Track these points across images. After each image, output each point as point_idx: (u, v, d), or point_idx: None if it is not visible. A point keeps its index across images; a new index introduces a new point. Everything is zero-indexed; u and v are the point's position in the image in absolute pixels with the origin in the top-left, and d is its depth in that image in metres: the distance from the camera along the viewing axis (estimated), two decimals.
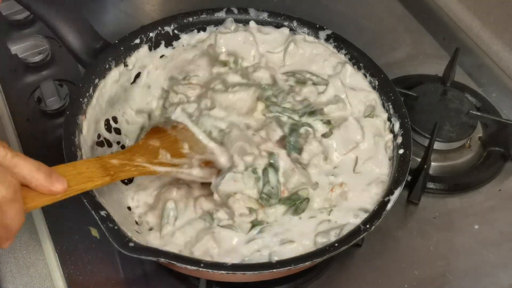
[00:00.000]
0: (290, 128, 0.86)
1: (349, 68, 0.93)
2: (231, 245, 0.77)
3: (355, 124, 0.87)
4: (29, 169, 0.63)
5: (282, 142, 0.85)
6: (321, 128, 0.87)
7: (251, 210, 0.80)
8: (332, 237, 0.76)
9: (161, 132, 0.84)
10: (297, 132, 0.86)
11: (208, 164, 0.83)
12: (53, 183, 0.64)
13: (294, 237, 0.78)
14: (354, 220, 0.79)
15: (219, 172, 0.83)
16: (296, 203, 0.81)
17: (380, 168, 0.85)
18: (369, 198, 0.81)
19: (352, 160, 0.86)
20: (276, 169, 0.82)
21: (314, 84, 0.93)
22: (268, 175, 0.82)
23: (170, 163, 0.81)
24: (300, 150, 0.85)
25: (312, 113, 0.88)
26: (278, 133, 0.86)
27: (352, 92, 0.91)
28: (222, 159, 0.83)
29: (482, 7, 1.20)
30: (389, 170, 0.84)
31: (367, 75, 0.92)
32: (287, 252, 0.76)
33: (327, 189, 0.83)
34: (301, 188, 0.82)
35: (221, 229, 0.78)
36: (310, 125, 0.87)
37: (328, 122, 0.88)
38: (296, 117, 0.87)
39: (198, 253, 0.76)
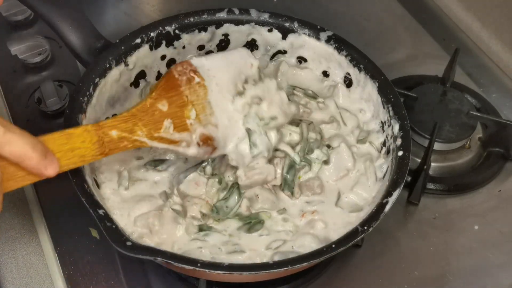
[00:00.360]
0: (288, 166, 0.85)
1: (342, 89, 0.95)
2: (174, 233, 0.79)
3: (347, 151, 0.87)
4: (23, 148, 0.56)
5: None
6: (320, 155, 0.87)
7: (203, 215, 0.80)
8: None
9: (173, 88, 0.79)
10: (294, 169, 0.85)
11: (207, 141, 0.80)
12: (46, 167, 0.59)
13: (245, 249, 0.78)
14: (312, 249, 0.76)
15: (214, 150, 0.81)
16: (251, 222, 0.81)
17: (367, 193, 0.84)
18: (338, 231, 0.80)
19: (335, 191, 0.86)
20: (240, 192, 0.82)
21: (317, 101, 0.95)
22: (233, 193, 0.82)
23: (170, 139, 0.77)
24: (292, 188, 0.84)
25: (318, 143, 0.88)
26: (277, 180, 0.85)
27: (346, 113, 0.93)
28: (220, 135, 0.80)
29: (482, 7, 1.20)
30: (377, 195, 0.82)
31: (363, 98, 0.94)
32: (235, 261, 0.76)
33: (298, 215, 0.83)
34: (263, 211, 0.82)
35: (171, 212, 0.79)
36: (309, 161, 0.86)
37: (328, 146, 0.88)
38: (300, 156, 0.86)
39: (140, 223, 0.78)
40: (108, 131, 0.71)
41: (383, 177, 0.84)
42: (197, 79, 0.80)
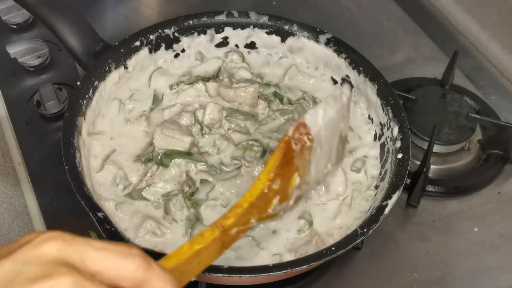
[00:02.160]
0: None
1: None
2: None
3: (341, 176, 0.85)
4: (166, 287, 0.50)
5: None
6: None
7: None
8: None
9: (288, 161, 0.68)
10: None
11: (297, 201, 0.73)
12: None
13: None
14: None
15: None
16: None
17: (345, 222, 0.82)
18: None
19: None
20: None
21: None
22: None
23: (273, 214, 0.69)
24: None
25: None
26: None
27: (350, 132, 0.91)
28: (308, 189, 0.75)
29: (481, 9, 1.20)
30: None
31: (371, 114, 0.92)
32: None
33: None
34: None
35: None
36: None
37: None
38: None
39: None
40: (230, 231, 0.62)
41: (368, 210, 0.82)
42: (308, 144, 0.70)
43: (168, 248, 0.76)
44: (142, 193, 0.82)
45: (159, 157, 0.84)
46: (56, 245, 0.47)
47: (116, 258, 0.48)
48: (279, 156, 0.68)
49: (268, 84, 0.96)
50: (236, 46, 1.00)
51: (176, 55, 0.97)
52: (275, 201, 0.68)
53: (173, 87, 0.94)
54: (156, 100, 0.93)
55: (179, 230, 0.80)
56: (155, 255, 0.69)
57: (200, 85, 0.93)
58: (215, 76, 0.96)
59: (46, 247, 0.46)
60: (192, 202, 0.82)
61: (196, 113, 0.89)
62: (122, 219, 0.79)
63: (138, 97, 0.93)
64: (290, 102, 0.94)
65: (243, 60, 0.99)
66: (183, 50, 0.98)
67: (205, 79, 0.95)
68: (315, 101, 0.95)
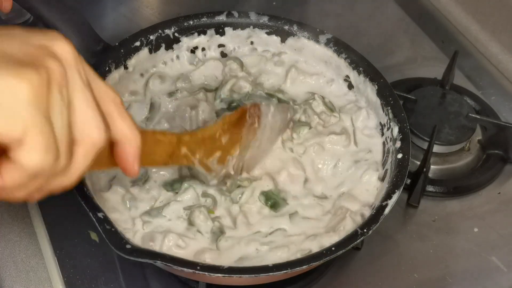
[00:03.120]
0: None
1: (364, 114, 0.92)
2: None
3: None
4: (134, 133, 0.54)
5: None
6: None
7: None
8: None
9: (239, 126, 0.79)
10: None
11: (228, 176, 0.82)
12: (135, 163, 0.55)
13: None
14: None
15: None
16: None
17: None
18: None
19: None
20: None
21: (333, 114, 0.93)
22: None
23: (209, 167, 0.77)
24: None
25: None
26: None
27: (361, 136, 0.91)
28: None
29: (481, 10, 1.21)
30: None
31: (384, 128, 0.90)
32: None
33: None
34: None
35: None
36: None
37: None
38: None
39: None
40: (182, 147, 0.71)
41: None
42: (256, 125, 0.81)
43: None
44: (161, 212, 0.79)
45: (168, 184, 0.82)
46: (71, 48, 0.51)
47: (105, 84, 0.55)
48: (235, 116, 0.79)
49: (270, 95, 0.94)
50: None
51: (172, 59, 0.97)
52: (217, 154, 0.77)
53: (173, 94, 0.92)
54: (153, 109, 0.91)
55: (204, 241, 0.78)
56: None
57: (201, 95, 0.92)
58: (216, 90, 0.94)
59: (63, 44, 0.50)
60: (212, 218, 0.80)
61: (191, 114, 0.88)
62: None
63: (135, 105, 0.91)
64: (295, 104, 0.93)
65: (242, 68, 0.97)
66: (178, 57, 0.97)
67: (207, 91, 0.94)
68: (324, 102, 0.93)
